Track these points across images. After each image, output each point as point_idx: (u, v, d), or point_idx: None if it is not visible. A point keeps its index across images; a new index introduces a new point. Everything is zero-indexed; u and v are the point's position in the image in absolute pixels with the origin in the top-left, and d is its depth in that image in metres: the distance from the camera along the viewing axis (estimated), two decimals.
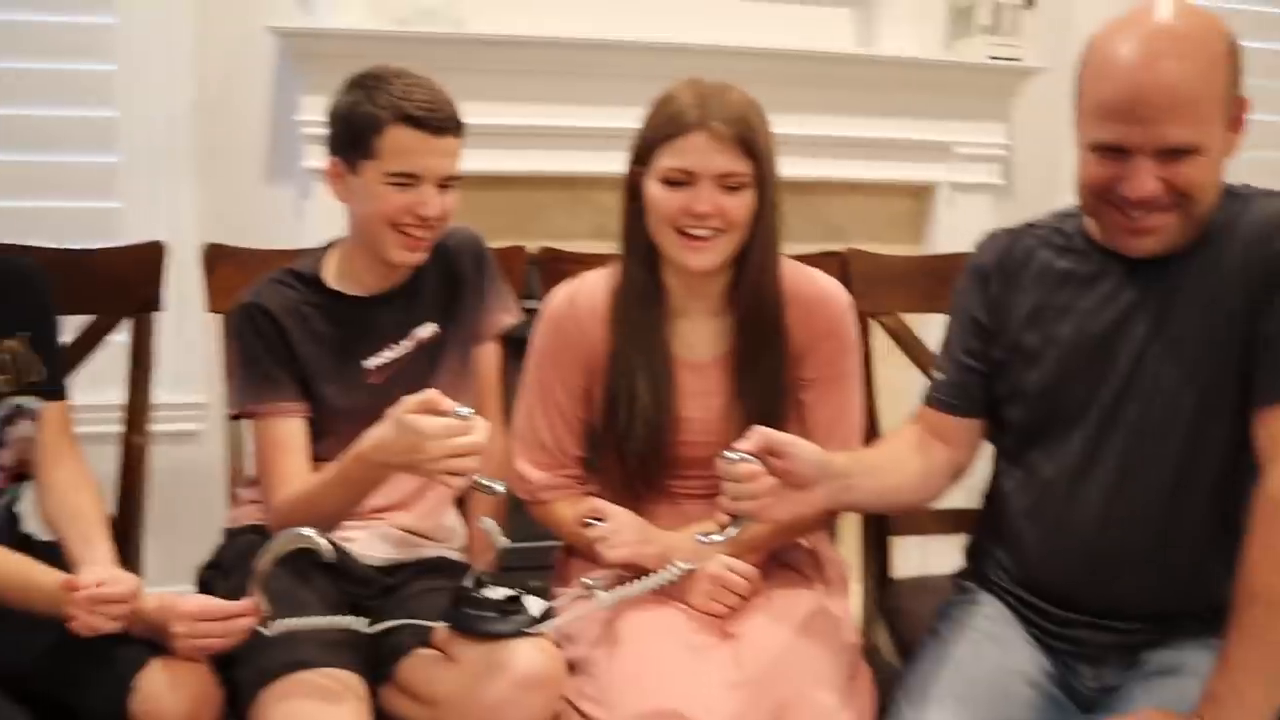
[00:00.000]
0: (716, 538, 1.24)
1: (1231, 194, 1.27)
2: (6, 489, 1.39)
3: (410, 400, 1.25)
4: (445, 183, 1.45)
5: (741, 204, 1.39)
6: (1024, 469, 1.37)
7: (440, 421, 1.23)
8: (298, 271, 1.53)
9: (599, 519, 1.43)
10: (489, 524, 1.31)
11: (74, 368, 1.60)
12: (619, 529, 1.43)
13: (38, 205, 2.16)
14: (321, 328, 1.50)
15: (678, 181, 1.38)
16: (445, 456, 1.22)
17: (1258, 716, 1.13)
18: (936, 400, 1.45)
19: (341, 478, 1.35)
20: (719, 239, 1.39)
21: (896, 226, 2.58)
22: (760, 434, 1.22)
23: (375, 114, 1.40)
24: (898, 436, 1.46)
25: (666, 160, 1.38)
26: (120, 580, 1.21)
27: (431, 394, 1.26)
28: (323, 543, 1.21)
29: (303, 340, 1.48)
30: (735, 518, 1.23)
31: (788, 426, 1.44)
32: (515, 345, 1.66)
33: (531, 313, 1.63)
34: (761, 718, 1.24)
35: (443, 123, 1.42)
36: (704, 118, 1.36)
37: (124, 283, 1.66)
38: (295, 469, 1.44)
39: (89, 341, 1.65)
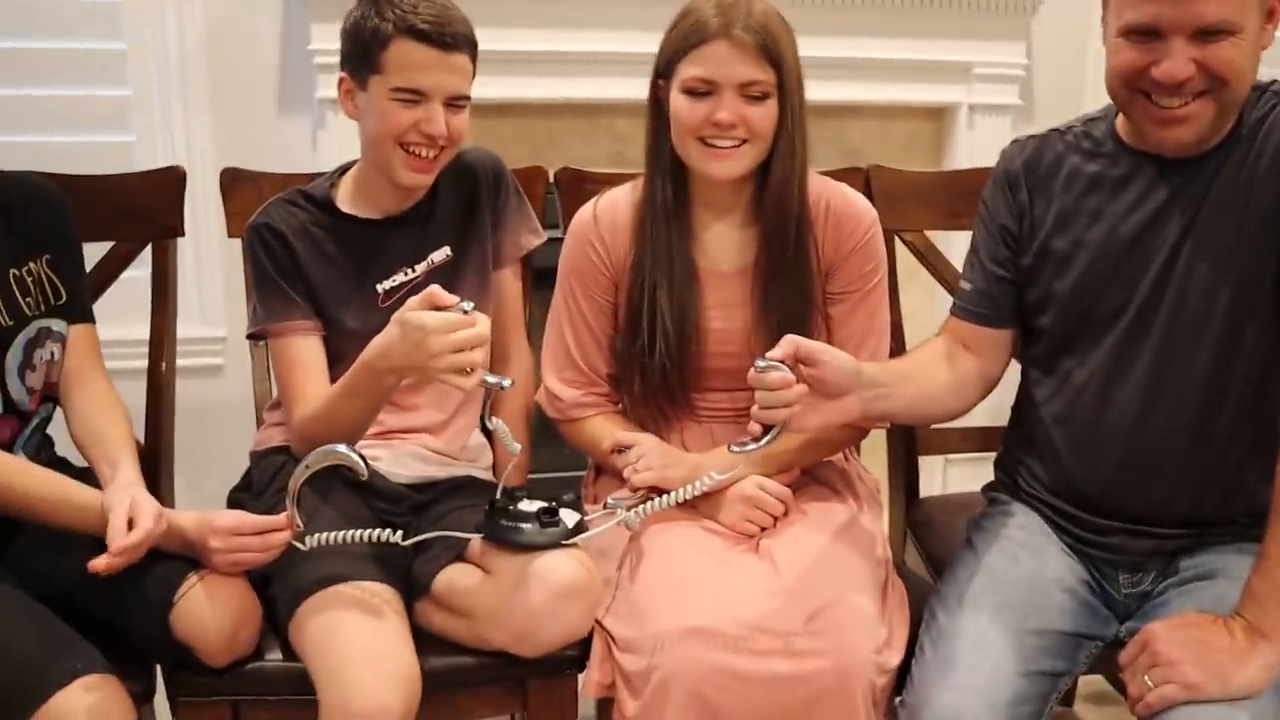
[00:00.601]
0: (750, 446, 1.24)
1: (1262, 90, 1.24)
2: (37, 410, 1.39)
3: (412, 300, 1.24)
4: (454, 102, 1.42)
5: (765, 114, 1.38)
6: (1056, 376, 1.36)
7: (441, 315, 1.21)
8: (309, 193, 1.51)
9: (626, 448, 1.43)
10: (500, 425, 1.31)
11: (97, 294, 1.59)
12: (644, 454, 1.42)
13: (49, 140, 2.14)
14: (332, 250, 1.48)
15: (700, 92, 1.37)
16: (448, 351, 1.20)
17: None
18: (964, 310, 1.43)
19: (351, 389, 1.33)
20: (743, 149, 1.39)
21: (915, 149, 2.55)
22: (791, 341, 1.21)
23: (381, 27, 1.37)
24: (927, 347, 1.45)
25: (688, 70, 1.37)
26: (142, 512, 1.21)
27: (433, 289, 1.23)
28: (356, 458, 1.21)
29: (313, 261, 1.47)
30: (767, 428, 1.23)
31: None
32: (545, 276, 1.65)
33: (555, 241, 1.61)
34: (796, 622, 1.25)
35: (452, 38, 1.38)
36: (726, 26, 1.35)
37: (144, 208, 1.64)
38: (314, 388, 1.42)
39: (112, 267, 1.63)
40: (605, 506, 1.38)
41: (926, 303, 2.13)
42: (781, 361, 1.19)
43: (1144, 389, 1.28)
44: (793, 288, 1.46)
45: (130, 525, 1.20)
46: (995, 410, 1.54)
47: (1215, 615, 1.16)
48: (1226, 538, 1.28)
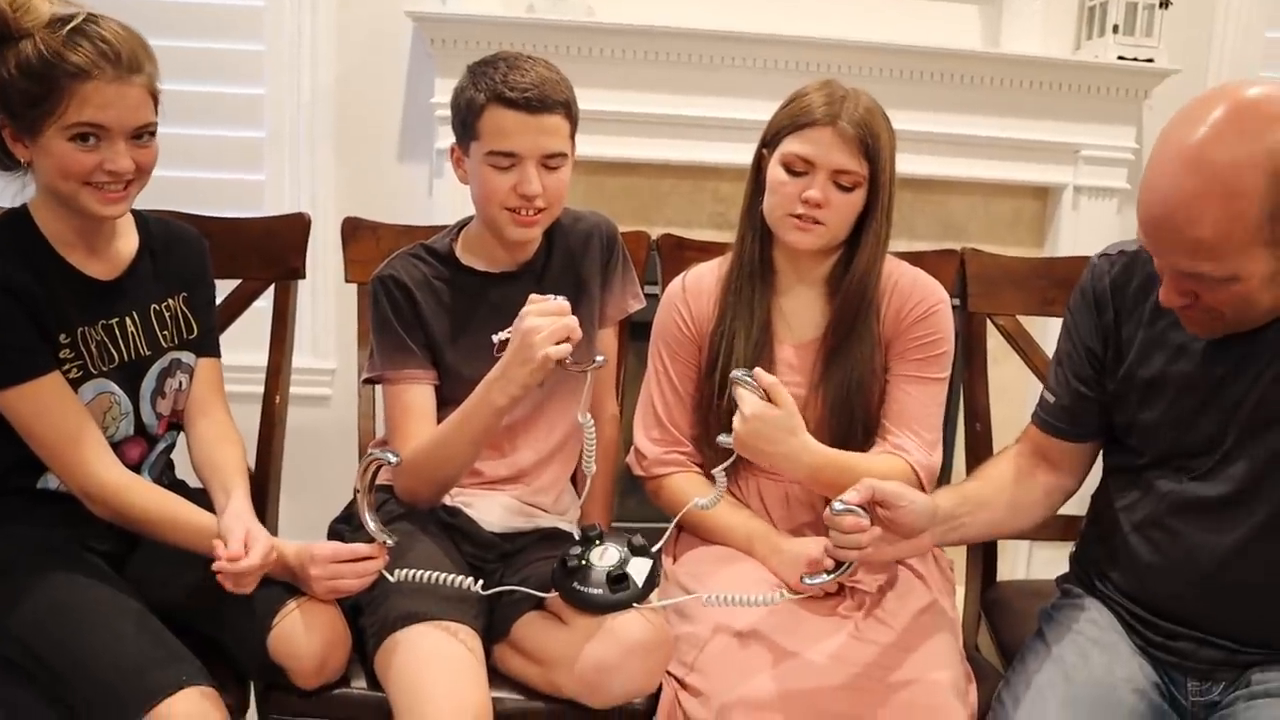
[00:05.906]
0: (820, 579, 1.31)
1: None
2: (164, 435, 1.49)
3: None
4: (548, 161, 1.48)
5: (849, 203, 1.47)
6: (1139, 486, 1.34)
7: (534, 301, 1.36)
8: (431, 247, 1.60)
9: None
10: (585, 418, 1.40)
11: (225, 325, 1.69)
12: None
13: (190, 176, 2.29)
14: (452, 301, 1.56)
15: (797, 171, 1.47)
16: (545, 326, 1.32)
17: None
18: (1046, 423, 1.42)
19: (463, 415, 1.42)
20: (819, 229, 1.48)
21: (1018, 228, 2.55)
22: (868, 485, 1.24)
23: (475, 97, 1.47)
24: (1001, 462, 1.46)
25: (792, 146, 1.47)
26: (256, 541, 1.28)
27: (533, 295, 1.37)
28: (389, 455, 1.29)
29: (433, 312, 1.55)
30: (840, 562, 1.28)
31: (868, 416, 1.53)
32: (640, 330, 1.74)
33: (652, 297, 1.69)
34: (874, 702, 1.28)
35: (539, 100, 1.44)
36: (833, 115, 1.45)
37: (271, 250, 1.75)
38: (422, 431, 1.50)
39: (238, 302, 1.75)
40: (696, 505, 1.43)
41: (1021, 378, 2.12)
42: (858, 505, 1.23)
43: (1240, 516, 1.25)
44: (850, 362, 1.52)
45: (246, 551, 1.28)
46: (1081, 500, 1.54)
47: None
48: None
